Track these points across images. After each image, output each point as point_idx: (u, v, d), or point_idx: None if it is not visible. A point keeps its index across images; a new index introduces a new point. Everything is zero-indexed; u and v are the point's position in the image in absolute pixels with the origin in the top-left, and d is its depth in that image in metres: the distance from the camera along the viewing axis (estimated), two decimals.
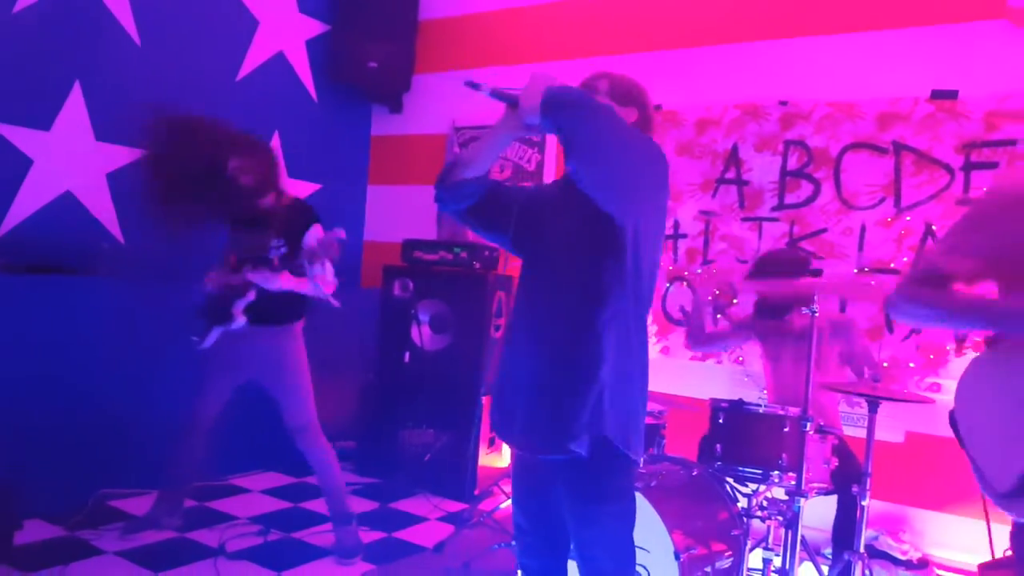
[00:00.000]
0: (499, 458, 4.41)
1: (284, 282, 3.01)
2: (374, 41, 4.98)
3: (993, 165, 3.47)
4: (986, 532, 3.03)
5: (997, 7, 3.50)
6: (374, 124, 5.61)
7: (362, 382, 4.60)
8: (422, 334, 4.38)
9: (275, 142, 4.86)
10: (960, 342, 3.53)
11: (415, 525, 3.78)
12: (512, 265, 4.45)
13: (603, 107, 1.70)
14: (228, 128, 3.08)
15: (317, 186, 5.20)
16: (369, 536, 3.51)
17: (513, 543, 2.58)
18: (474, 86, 1.71)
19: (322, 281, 2.95)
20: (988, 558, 3.03)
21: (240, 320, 3.09)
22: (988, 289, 1.56)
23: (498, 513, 3.74)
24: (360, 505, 3.89)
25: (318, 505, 3.70)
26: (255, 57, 4.78)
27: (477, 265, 4.35)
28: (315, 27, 5.14)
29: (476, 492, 4.17)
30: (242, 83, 4.70)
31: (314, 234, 3.03)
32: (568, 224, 1.84)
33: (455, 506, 4.08)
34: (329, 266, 2.93)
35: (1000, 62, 3.49)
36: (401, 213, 5.35)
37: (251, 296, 3.08)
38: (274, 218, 3.09)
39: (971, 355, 3.40)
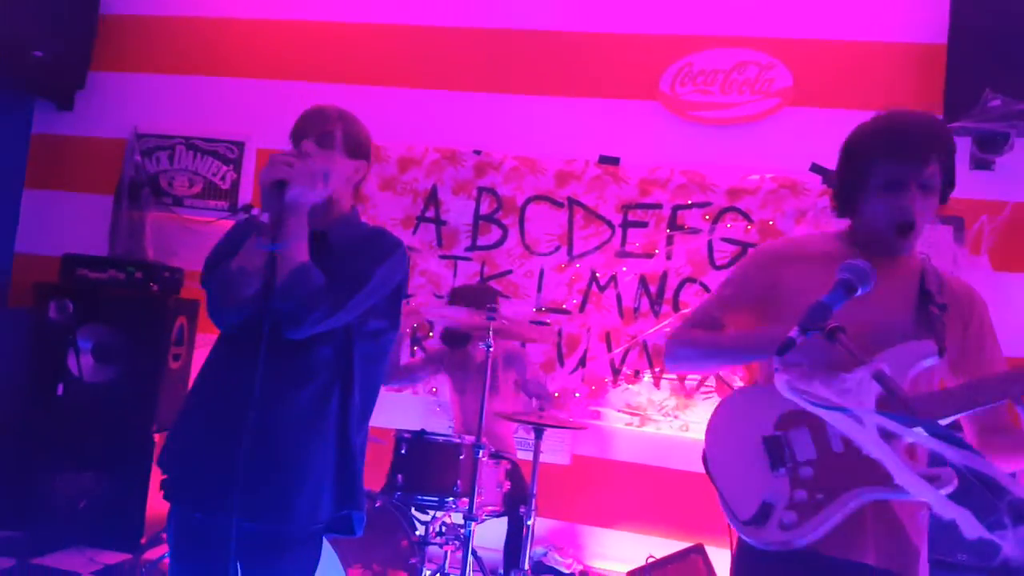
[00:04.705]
0: None
1: None
2: (40, 28, 4.36)
3: (644, 224, 4.07)
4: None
5: (652, 90, 4.13)
6: (37, 121, 4.88)
7: (1, 419, 3.92)
8: (81, 363, 3.86)
9: None
10: (616, 374, 4.03)
11: None
12: (196, 288, 4.13)
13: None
14: None
15: None
16: None
17: None
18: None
19: None
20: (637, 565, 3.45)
21: None
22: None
23: (165, 562, 3.41)
24: None
25: None
26: None
27: (155, 287, 3.99)
28: None
29: (143, 540, 3.79)
30: None
31: None
32: None
33: (116, 557, 3.67)
34: None
35: (652, 137, 4.12)
36: (65, 223, 4.69)
37: None
38: None
39: (624, 386, 4.01)
